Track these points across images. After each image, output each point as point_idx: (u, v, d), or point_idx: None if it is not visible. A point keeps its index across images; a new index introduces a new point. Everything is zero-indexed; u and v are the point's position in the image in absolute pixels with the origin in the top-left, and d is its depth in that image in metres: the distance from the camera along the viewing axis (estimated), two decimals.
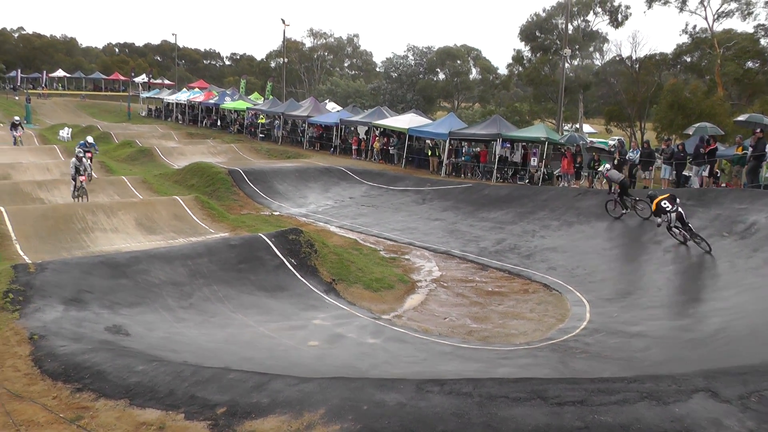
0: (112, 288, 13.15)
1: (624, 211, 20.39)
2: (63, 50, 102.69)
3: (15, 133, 38.14)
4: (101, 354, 9.36)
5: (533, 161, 29.04)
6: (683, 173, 24.32)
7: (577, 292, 15.47)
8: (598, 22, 53.88)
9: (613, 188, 21.04)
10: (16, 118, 40.28)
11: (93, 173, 23.04)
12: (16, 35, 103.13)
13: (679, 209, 16.20)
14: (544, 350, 11.59)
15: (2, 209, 18.87)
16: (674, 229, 16.64)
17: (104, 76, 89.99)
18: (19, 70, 79.98)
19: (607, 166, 22.44)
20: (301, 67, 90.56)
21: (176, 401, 7.80)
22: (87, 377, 8.61)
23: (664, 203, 16.31)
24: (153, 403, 7.85)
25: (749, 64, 42.45)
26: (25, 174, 28.18)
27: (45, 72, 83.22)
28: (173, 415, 7.55)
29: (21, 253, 16.14)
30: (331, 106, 51.48)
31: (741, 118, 26.68)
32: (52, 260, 14.17)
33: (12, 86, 75.76)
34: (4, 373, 8.94)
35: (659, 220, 16.68)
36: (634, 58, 48.74)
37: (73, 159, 22.11)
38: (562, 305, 14.83)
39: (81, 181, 21.98)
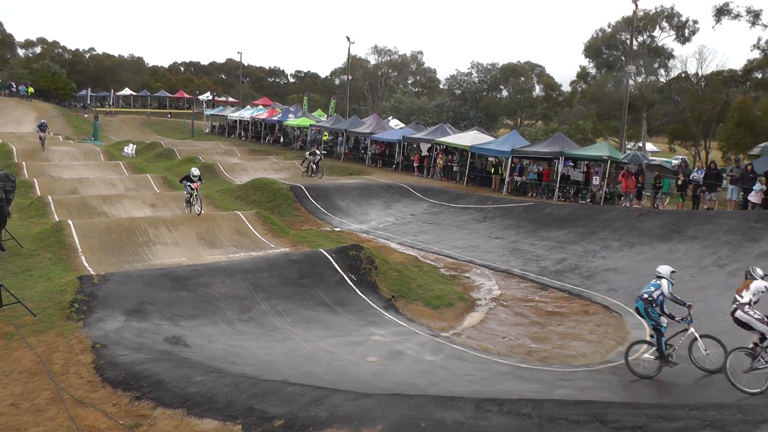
0: (172, 300, 13.61)
1: None
2: (130, 69, 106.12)
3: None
4: (161, 364, 9.68)
5: (595, 180, 28.71)
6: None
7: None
8: (664, 38, 52.89)
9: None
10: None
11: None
12: (87, 56, 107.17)
13: None
14: (604, 373, 11.47)
15: (70, 222, 19.57)
16: None
17: (169, 95, 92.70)
18: (89, 89, 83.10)
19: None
20: (365, 84, 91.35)
21: (234, 412, 7.97)
22: (146, 386, 8.91)
23: None
24: (211, 414, 8.06)
25: None
26: (91, 189, 29.08)
27: (113, 90, 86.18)
28: (231, 426, 7.71)
29: (86, 264, 16.66)
30: (394, 122, 51.77)
31: None
32: (115, 272, 14.75)
33: (82, 104, 78.76)
34: (68, 380, 9.35)
35: None
36: (700, 74, 47.74)
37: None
38: (623, 328, 14.65)
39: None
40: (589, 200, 28.55)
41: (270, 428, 7.43)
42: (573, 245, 21.88)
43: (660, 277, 10.60)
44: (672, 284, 10.53)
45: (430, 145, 38.12)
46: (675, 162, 34.76)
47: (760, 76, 44.63)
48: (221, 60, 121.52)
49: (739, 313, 9.75)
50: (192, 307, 13.57)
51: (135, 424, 8.01)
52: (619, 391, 10.06)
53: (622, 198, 27.47)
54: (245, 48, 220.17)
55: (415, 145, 40.09)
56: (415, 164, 38.32)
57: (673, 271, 10.96)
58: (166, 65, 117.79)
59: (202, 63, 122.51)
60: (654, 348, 10.46)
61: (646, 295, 10.43)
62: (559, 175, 29.99)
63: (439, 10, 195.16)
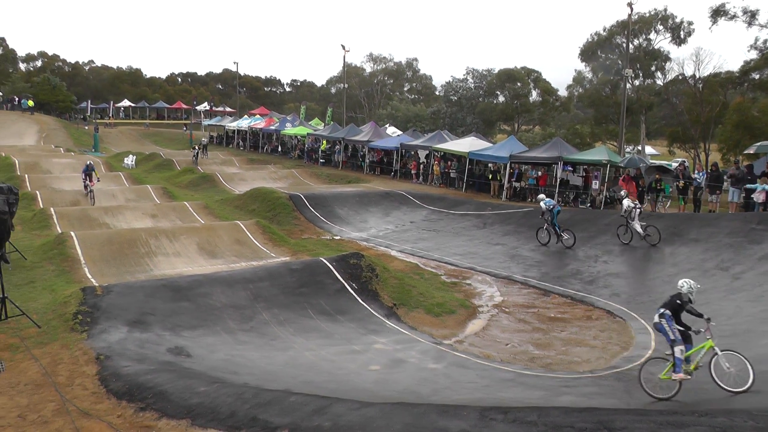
0: (174, 310, 13.62)
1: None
2: (129, 81, 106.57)
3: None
4: (163, 375, 9.70)
5: (595, 184, 28.67)
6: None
7: (641, 319, 15.13)
8: (660, 40, 52.94)
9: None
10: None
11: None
12: (87, 68, 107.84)
13: None
14: (609, 379, 11.38)
15: (73, 234, 19.67)
16: None
17: (167, 105, 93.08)
18: (89, 101, 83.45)
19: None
20: (361, 92, 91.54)
21: (237, 423, 7.97)
22: (150, 397, 8.92)
23: None
24: (214, 424, 8.06)
25: None
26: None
27: (112, 102, 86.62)
28: None
29: (89, 275, 16.72)
30: (392, 130, 51.90)
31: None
32: (117, 283, 14.77)
33: (82, 116, 79.06)
34: (73, 391, 9.37)
35: None
36: (697, 76, 47.77)
37: None
38: (627, 333, 14.56)
39: None
40: (588, 205, 28.49)
41: None
42: (574, 250, 21.80)
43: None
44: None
45: (427, 152, 38.10)
46: (674, 165, 34.74)
47: (757, 77, 44.63)
48: (218, 70, 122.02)
49: None
50: (193, 318, 13.58)
51: None
52: (625, 398, 9.94)
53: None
54: (241, 58, 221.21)
55: (412, 153, 40.09)
56: (413, 171, 38.29)
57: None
58: (163, 76, 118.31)
59: (199, 73, 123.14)
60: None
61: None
62: (559, 180, 29.94)
63: (434, 17, 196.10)
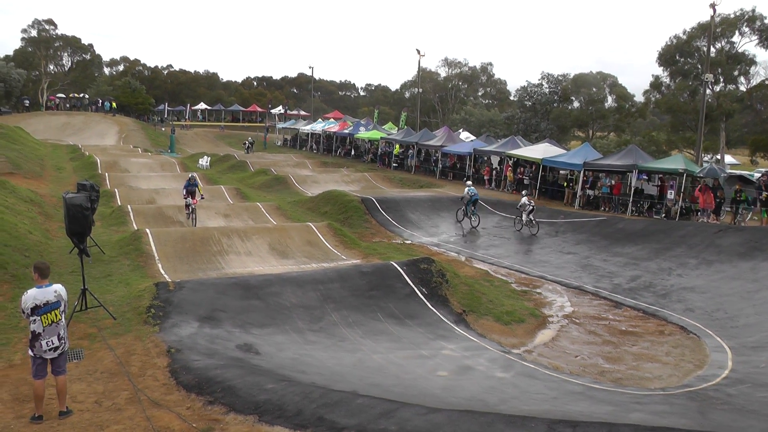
0: (244, 308, 13.94)
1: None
2: (205, 84, 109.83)
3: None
4: (232, 370, 9.97)
5: (670, 194, 28.02)
6: None
7: (717, 336, 14.79)
8: (745, 43, 50.89)
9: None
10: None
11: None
12: (165, 72, 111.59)
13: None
14: (681, 398, 11.09)
15: (148, 231, 20.35)
16: None
17: (242, 108, 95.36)
18: (166, 104, 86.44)
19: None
20: (435, 96, 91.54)
21: (304, 421, 8.12)
22: (218, 391, 9.20)
23: None
24: (281, 422, 8.22)
25: None
26: (167, 199, 30.00)
27: (188, 105, 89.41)
28: None
29: (162, 271, 17.22)
30: (465, 135, 51.68)
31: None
32: (189, 279, 15.24)
33: (160, 118, 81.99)
34: (145, 382, 9.77)
35: None
36: None
37: None
38: (701, 350, 14.22)
39: None
40: (663, 215, 27.86)
41: None
42: (647, 262, 21.41)
43: None
44: None
45: (500, 158, 37.91)
46: (757, 175, 33.52)
47: None
48: (293, 74, 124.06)
49: None
50: (263, 316, 13.83)
51: (207, 427, 8.25)
52: (699, 419, 9.71)
53: (699, 213, 26.66)
54: (317, 62, 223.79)
55: (485, 158, 39.94)
56: (486, 177, 38.16)
57: None
58: (239, 80, 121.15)
59: (274, 77, 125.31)
60: None
61: None
62: (633, 188, 29.39)
63: (509, 21, 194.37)
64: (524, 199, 26.85)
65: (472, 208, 27.84)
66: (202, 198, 25.05)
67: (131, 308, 13.10)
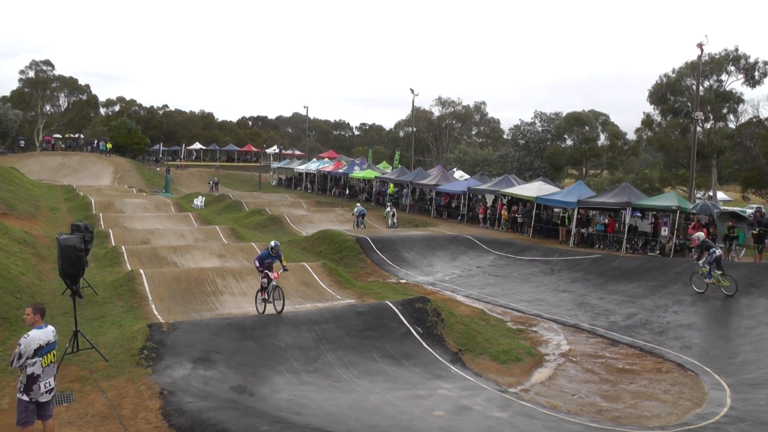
0: (239, 349, 13.84)
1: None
2: (201, 125, 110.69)
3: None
4: (227, 412, 9.85)
5: (664, 231, 28.09)
6: None
7: (715, 374, 14.69)
8: (732, 82, 51.77)
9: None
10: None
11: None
12: (161, 112, 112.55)
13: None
14: None
15: (142, 272, 20.25)
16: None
17: (237, 148, 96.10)
18: (161, 144, 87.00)
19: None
20: (429, 135, 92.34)
21: None
22: None
23: None
24: None
25: None
26: (162, 239, 29.95)
27: (183, 145, 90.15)
28: None
29: (156, 312, 17.13)
30: (459, 174, 52.08)
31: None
32: (183, 320, 15.08)
33: (155, 158, 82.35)
34: (137, 425, 9.64)
35: None
36: None
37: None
38: (699, 388, 14.10)
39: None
40: (658, 252, 27.89)
41: None
42: (643, 299, 21.36)
43: None
44: None
45: (494, 196, 38.03)
46: (749, 211, 33.68)
47: None
48: (288, 114, 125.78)
49: None
50: (258, 357, 13.74)
51: None
52: None
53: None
54: (311, 102, 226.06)
55: (480, 197, 40.09)
56: (480, 216, 38.25)
57: None
58: (234, 119, 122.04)
59: (269, 117, 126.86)
60: None
61: None
62: (627, 226, 29.47)
63: (503, 61, 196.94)
64: None
65: (361, 219, 36.04)
66: (285, 270, 17.63)
67: (124, 350, 12.96)
